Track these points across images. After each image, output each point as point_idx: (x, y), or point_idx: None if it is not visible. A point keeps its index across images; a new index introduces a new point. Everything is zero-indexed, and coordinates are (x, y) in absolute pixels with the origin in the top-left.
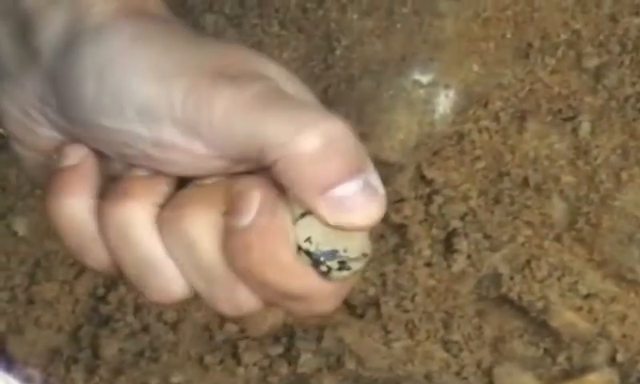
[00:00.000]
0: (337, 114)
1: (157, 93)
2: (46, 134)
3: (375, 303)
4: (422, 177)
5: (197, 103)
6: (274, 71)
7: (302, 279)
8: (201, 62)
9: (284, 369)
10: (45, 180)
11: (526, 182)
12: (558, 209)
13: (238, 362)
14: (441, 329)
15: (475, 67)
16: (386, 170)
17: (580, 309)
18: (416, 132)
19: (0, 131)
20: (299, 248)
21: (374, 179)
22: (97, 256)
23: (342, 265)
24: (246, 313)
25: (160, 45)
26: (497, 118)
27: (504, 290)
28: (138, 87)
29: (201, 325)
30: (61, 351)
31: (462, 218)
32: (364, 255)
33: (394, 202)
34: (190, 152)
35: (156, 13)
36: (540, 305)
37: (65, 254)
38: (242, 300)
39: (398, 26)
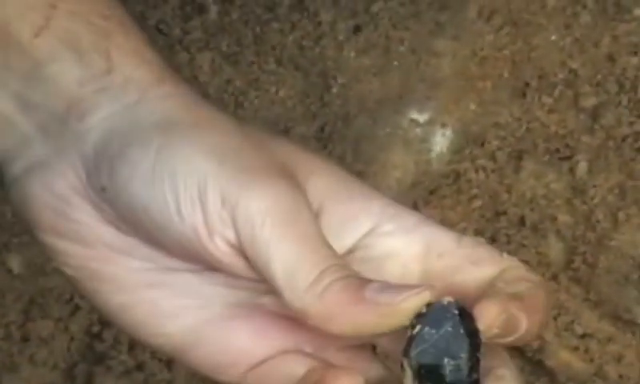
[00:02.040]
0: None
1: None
2: (84, 218)
3: None
4: None
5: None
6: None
7: None
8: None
9: None
10: None
11: (522, 221)
12: (554, 248)
13: None
14: None
15: (472, 106)
16: None
17: (576, 349)
18: (412, 171)
19: None
20: None
21: None
22: None
23: None
24: None
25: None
26: (493, 157)
27: None
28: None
29: None
30: None
31: None
32: None
33: None
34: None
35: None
36: (536, 344)
37: (60, 292)
38: None
39: (395, 64)
